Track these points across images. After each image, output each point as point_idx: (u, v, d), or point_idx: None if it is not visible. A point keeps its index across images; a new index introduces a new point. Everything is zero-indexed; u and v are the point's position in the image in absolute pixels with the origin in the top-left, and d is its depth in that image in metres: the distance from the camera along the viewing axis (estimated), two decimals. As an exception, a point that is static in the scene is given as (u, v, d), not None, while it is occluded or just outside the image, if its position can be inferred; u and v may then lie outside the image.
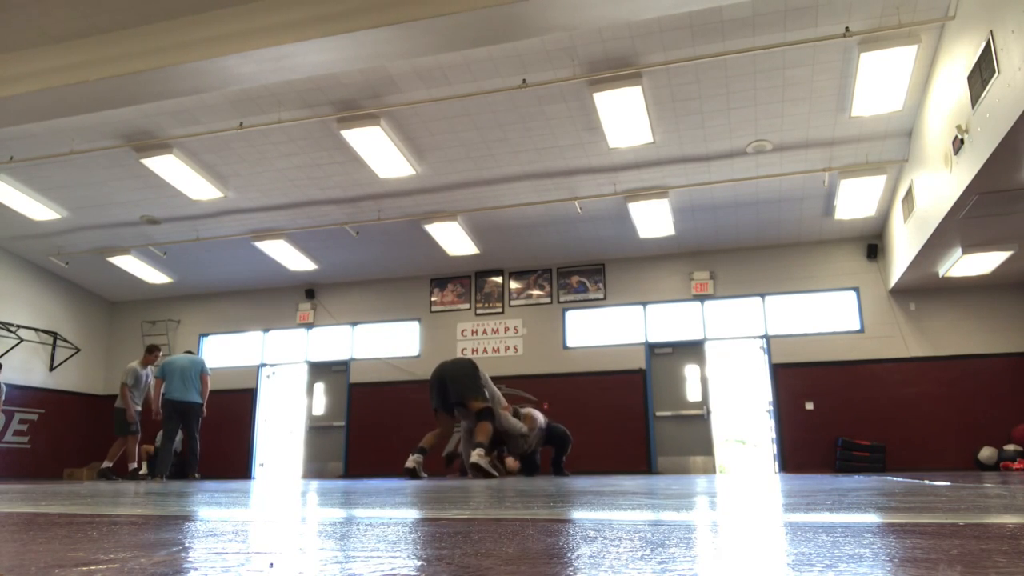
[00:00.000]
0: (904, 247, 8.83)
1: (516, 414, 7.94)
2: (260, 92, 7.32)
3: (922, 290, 9.83)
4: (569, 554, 0.90)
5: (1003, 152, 5.38)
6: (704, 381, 10.61)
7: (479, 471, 6.60)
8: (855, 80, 6.86)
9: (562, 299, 11.33)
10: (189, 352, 9.73)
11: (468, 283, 11.80)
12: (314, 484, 5.41)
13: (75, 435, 12.35)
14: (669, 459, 10.37)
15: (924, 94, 7.16)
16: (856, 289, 10.28)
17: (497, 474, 6.95)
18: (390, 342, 11.93)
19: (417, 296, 11.95)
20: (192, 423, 9.04)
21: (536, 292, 11.47)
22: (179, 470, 11.71)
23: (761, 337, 10.47)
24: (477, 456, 6.57)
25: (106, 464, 9.26)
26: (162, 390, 8.98)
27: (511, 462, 9.51)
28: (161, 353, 9.75)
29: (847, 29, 6.18)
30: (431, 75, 7.06)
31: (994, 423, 9.26)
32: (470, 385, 7.16)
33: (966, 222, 7.00)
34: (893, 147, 8.15)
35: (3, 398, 9.92)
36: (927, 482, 3.70)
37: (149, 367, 9.48)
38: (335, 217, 10.07)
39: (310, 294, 12.35)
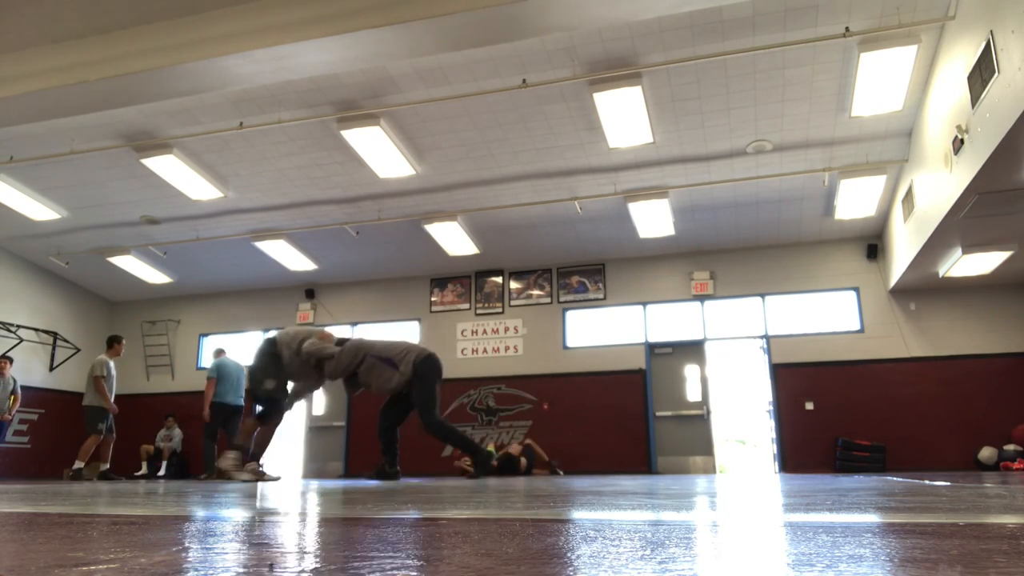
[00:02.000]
0: (904, 247, 8.83)
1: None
2: (260, 92, 7.32)
3: (922, 290, 9.83)
4: (569, 554, 0.90)
5: (1003, 152, 5.38)
6: (704, 381, 10.60)
7: (224, 475, 6.64)
8: (855, 80, 6.86)
9: (562, 299, 11.33)
10: (222, 347, 9.99)
11: (468, 283, 11.80)
12: (314, 484, 5.41)
13: (75, 435, 12.29)
14: (669, 459, 10.37)
15: (924, 94, 7.16)
16: (856, 289, 10.29)
17: (247, 478, 6.63)
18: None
19: (417, 296, 11.95)
20: (235, 425, 9.19)
21: (536, 292, 11.47)
22: (179, 470, 11.71)
23: (761, 337, 10.47)
24: (226, 460, 6.66)
25: (78, 465, 8.92)
26: (214, 390, 9.10)
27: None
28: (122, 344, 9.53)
29: (847, 29, 6.18)
30: (431, 75, 7.06)
31: (994, 423, 9.27)
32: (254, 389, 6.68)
33: (966, 222, 7.01)
34: (893, 147, 8.15)
35: (18, 392, 9.86)
36: (927, 482, 3.70)
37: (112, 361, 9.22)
38: (335, 217, 10.07)
39: (310, 294, 12.36)
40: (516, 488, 3.57)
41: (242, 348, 12.62)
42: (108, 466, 9.10)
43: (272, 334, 6.89)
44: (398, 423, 6.64)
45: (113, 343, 9.30)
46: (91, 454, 8.94)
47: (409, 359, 6.42)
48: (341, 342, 6.74)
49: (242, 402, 9.43)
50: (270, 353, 6.65)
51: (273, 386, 6.62)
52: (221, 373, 9.27)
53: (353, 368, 6.52)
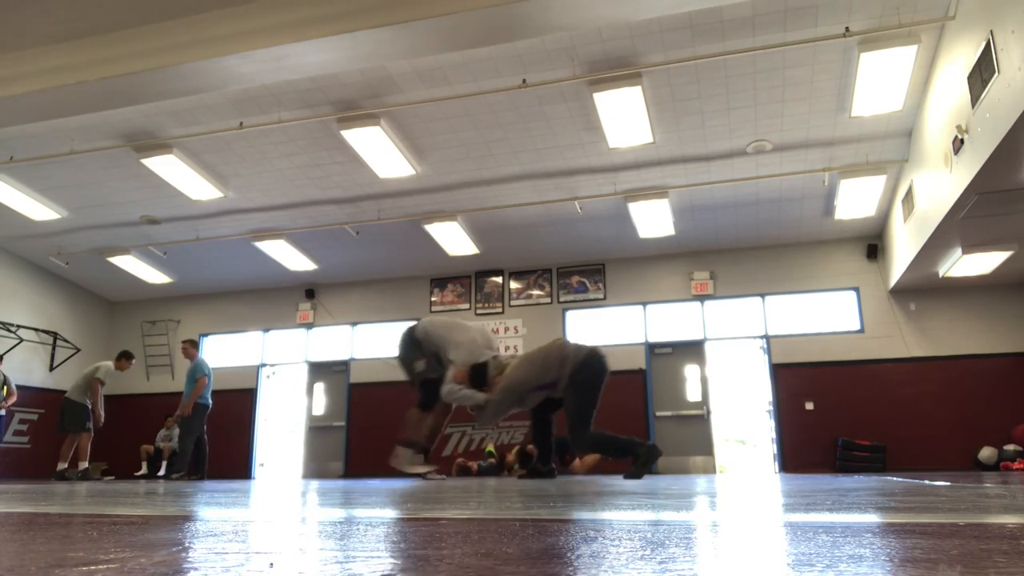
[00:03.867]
0: (904, 247, 8.83)
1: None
2: (260, 92, 7.32)
3: (922, 290, 9.83)
4: (569, 554, 0.90)
5: (1003, 152, 5.38)
6: (704, 381, 10.60)
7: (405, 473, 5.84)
8: (855, 80, 6.86)
9: (562, 299, 11.33)
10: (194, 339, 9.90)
11: (468, 283, 11.80)
12: (314, 484, 5.41)
13: (74, 432, 12.32)
14: (669, 459, 10.36)
15: (924, 94, 7.16)
16: (856, 289, 10.28)
17: (425, 471, 6.09)
18: (390, 342, 11.92)
19: (417, 296, 11.95)
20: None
21: (536, 292, 11.47)
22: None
23: (761, 337, 10.47)
24: (402, 458, 5.86)
25: (83, 465, 9.04)
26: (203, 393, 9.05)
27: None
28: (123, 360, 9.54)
29: (847, 29, 6.18)
30: (431, 75, 7.06)
31: (994, 423, 9.26)
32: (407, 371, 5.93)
33: (966, 222, 7.01)
34: (893, 147, 8.15)
35: (11, 387, 9.87)
36: (927, 482, 3.70)
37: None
38: (335, 217, 10.07)
39: (310, 294, 12.36)
40: (516, 488, 3.57)
41: (241, 348, 12.65)
42: (67, 465, 9.00)
43: (412, 324, 6.06)
44: (551, 414, 5.63)
45: (123, 358, 9.37)
46: (68, 453, 9.00)
47: (566, 371, 5.23)
48: (480, 371, 5.45)
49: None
50: (412, 339, 5.86)
51: (424, 366, 5.78)
52: (210, 374, 9.20)
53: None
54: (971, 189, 6.14)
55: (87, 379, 9.07)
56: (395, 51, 5.62)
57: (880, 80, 6.83)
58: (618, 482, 4.44)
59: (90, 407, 9.04)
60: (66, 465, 8.95)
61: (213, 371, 9.51)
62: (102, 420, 9.11)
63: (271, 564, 0.83)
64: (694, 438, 10.42)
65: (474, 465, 9.92)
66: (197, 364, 9.26)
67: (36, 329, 11.75)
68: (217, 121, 7.88)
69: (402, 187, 9.23)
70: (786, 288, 10.52)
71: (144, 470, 11.58)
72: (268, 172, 9.02)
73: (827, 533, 1.09)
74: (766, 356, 10.35)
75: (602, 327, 11.10)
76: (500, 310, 11.53)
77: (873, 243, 10.22)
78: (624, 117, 7.48)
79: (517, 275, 11.61)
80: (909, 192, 8.17)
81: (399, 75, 7.07)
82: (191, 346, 9.53)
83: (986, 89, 5.35)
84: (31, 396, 11.72)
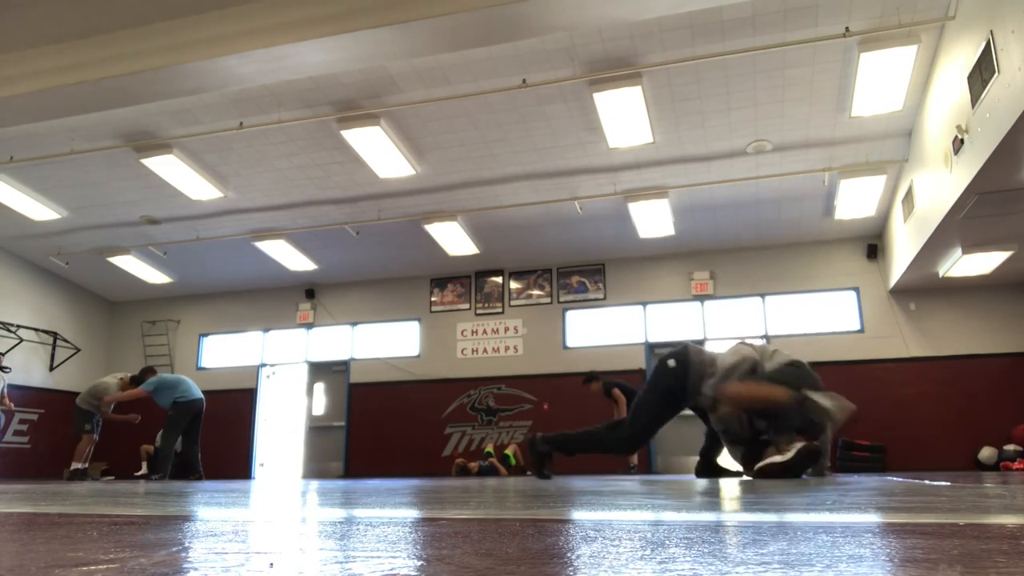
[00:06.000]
0: (904, 247, 8.83)
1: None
2: (260, 92, 7.32)
3: (922, 290, 9.83)
4: (569, 554, 0.90)
5: (1003, 152, 5.39)
6: (704, 381, 10.59)
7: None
8: (855, 80, 6.87)
9: (562, 299, 11.33)
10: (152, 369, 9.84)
11: (468, 283, 11.80)
12: (314, 484, 5.41)
13: (75, 435, 12.33)
14: (669, 459, 10.37)
15: (924, 94, 7.16)
16: (856, 289, 10.28)
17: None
18: (390, 342, 11.94)
19: (417, 296, 11.95)
20: (200, 423, 9.24)
21: (536, 292, 11.48)
22: (180, 470, 11.68)
23: (761, 337, 10.46)
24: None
25: (77, 466, 9.22)
26: (175, 395, 8.97)
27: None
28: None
29: (847, 29, 6.19)
30: (431, 75, 7.06)
31: (994, 423, 9.26)
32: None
33: (966, 222, 7.01)
34: (893, 147, 8.15)
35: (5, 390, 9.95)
36: (927, 482, 3.70)
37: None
38: (335, 217, 10.07)
39: (310, 294, 12.36)
40: (516, 488, 3.57)
41: (241, 348, 12.65)
42: (86, 465, 9.31)
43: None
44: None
45: (138, 379, 9.29)
46: (87, 454, 9.24)
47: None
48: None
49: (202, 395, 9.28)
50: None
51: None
52: (164, 384, 9.07)
53: None
54: (971, 189, 6.14)
55: (94, 391, 9.29)
56: (395, 51, 5.62)
57: (880, 80, 6.83)
58: (618, 482, 4.44)
59: (97, 413, 9.28)
60: (77, 466, 9.18)
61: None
62: (132, 421, 9.48)
63: (271, 564, 0.83)
64: (694, 438, 10.39)
65: (474, 465, 9.93)
66: (146, 384, 9.12)
67: (36, 329, 11.75)
68: (217, 121, 7.88)
69: (402, 187, 9.23)
70: (786, 288, 10.52)
71: (144, 470, 11.58)
72: (268, 172, 9.02)
73: (827, 533, 1.09)
74: (766, 356, 10.34)
75: (602, 327, 11.10)
76: (500, 310, 11.53)
77: (873, 243, 10.22)
78: (624, 117, 7.49)
79: (517, 275, 11.61)
80: (909, 192, 8.17)
81: (399, 75, 7.07)
82: (148, 372, 9.41)
83: (986, 89, 5.35)
84: (31, 396, 11.72)
